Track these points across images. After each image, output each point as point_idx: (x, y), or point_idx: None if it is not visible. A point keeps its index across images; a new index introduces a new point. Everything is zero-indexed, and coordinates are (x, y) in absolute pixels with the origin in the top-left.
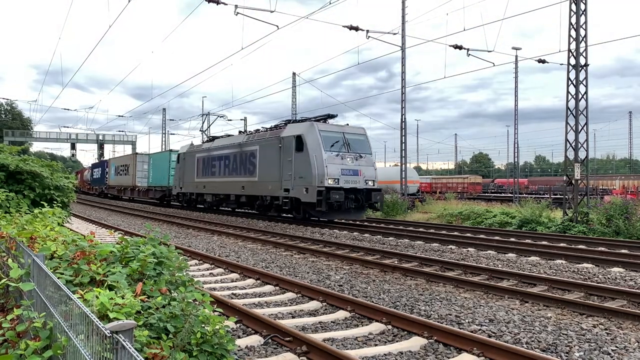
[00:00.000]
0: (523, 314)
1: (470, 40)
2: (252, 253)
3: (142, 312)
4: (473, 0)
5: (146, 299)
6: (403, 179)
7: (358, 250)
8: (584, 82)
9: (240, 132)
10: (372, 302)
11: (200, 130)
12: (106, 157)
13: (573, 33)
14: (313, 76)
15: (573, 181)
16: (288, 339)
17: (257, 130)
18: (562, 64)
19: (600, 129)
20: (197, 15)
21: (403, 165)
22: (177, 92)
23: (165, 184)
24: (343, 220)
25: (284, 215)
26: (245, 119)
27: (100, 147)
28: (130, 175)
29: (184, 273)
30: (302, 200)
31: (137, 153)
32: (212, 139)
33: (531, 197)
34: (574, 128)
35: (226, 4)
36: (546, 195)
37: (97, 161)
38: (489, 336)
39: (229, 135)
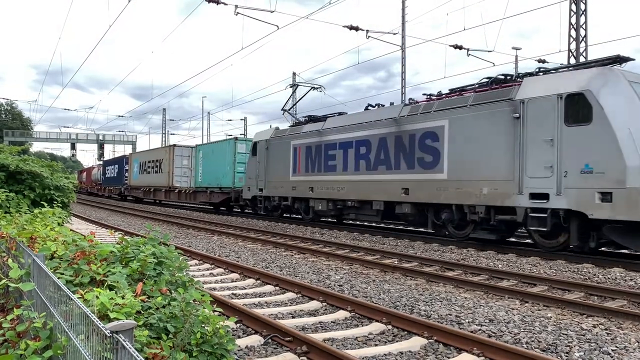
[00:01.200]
0: (523, 314)
1: (470, 40)
2: (252, 253)
3: (142, 312)
4: (473, 0)
5: (146, 299)
6: None
7: (358, 250)
8: None
9: (367, 106)
10: (372, 302)
11: (282, 110)
12: (106, 157)
13: (573, 33)
14: (313, 76)
15: None
16: (288, 338)
17: (425, 98)
18: (562, 64)
19: None
20: (197, 15)
21: None
22: (177, 92)
23: (227, 185)
24: None
25: (519, 240)
26: (245, 119)
27: (101, 147)
28: (164, 174)
29: (184, 273)
30: (594, 217)
31: (175, 145)
32: (322, 118)
33: None
34: None
35: (226, 4)
36: None
37: (113, 157)
38: (489, 336)
39: (339, 113)
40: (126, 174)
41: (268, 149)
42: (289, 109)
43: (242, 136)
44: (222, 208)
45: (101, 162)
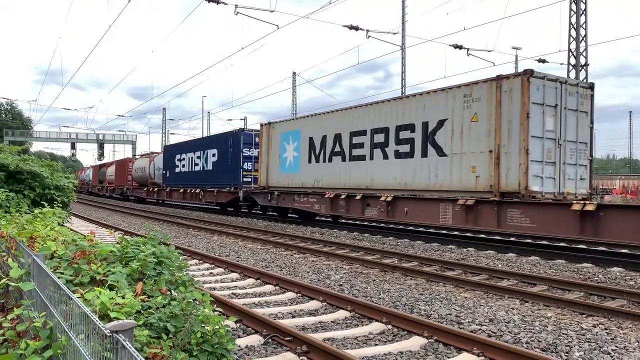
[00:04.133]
0: (523, 314)
1: (470, 40)
2: (252, 253)
3: (142, 311)
4: (473, 0)
5: (146, 299)
6: None
7: (358, 250)
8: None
9: None
10: (372, 301)
11: None
12: (106, 158)
13: (573, 33)
14: (312, 76)
15: None
16: (288, 338)
17: None
18: (562, 64)
19: (600, 129)
20: (197, 15)
21: None
22: (177, 92)
23: None
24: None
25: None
26: (245, 119)
27: (101, 147)
28: (464, 156)
29: (184, 273)
30: None
31: (532, 72)
32: None
33: None
34: None
35: (226, 4)
36: None
37: (189, 139)
38: (489, 336)
39: None
40: (245, 165)
41: None
42: None
43: None
44: None
45: (162, 150)
